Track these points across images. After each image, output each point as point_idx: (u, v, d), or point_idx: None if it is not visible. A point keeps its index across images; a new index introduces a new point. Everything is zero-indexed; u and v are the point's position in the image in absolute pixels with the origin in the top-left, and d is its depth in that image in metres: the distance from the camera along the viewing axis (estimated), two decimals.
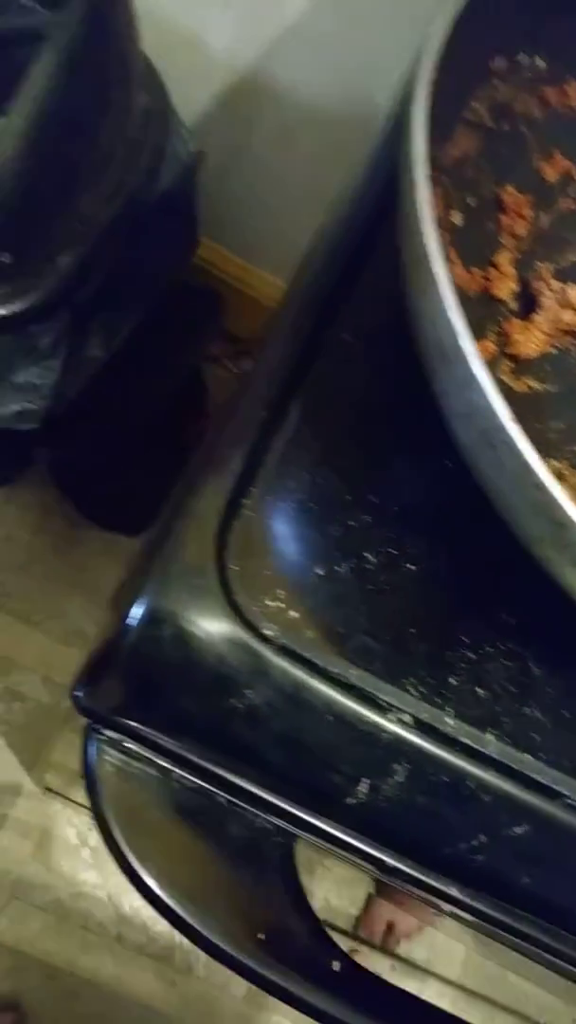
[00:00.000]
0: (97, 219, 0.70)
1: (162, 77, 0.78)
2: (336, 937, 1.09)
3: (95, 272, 0.72)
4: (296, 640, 0.34)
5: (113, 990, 1.00)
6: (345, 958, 0.40)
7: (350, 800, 0.35)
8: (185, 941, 1.04)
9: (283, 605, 0.35)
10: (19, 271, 0.66)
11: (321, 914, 1.09)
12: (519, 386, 0.44)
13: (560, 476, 0.42)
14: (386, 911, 1.10)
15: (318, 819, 0.36)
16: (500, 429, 0.30)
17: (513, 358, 0.45)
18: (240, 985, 1.05)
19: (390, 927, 1.10)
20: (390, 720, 0.35)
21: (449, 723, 0.36)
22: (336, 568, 0.37)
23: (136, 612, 0.32)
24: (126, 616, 0.32)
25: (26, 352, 0.71)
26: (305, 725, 0.34)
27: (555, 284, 0.46)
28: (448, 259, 0.41)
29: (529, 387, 0.44)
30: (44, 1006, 0.97)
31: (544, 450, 0.43)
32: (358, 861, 0.38)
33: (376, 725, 0.34)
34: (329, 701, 0.34)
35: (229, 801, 0.38)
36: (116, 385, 0.85)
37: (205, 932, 0.36)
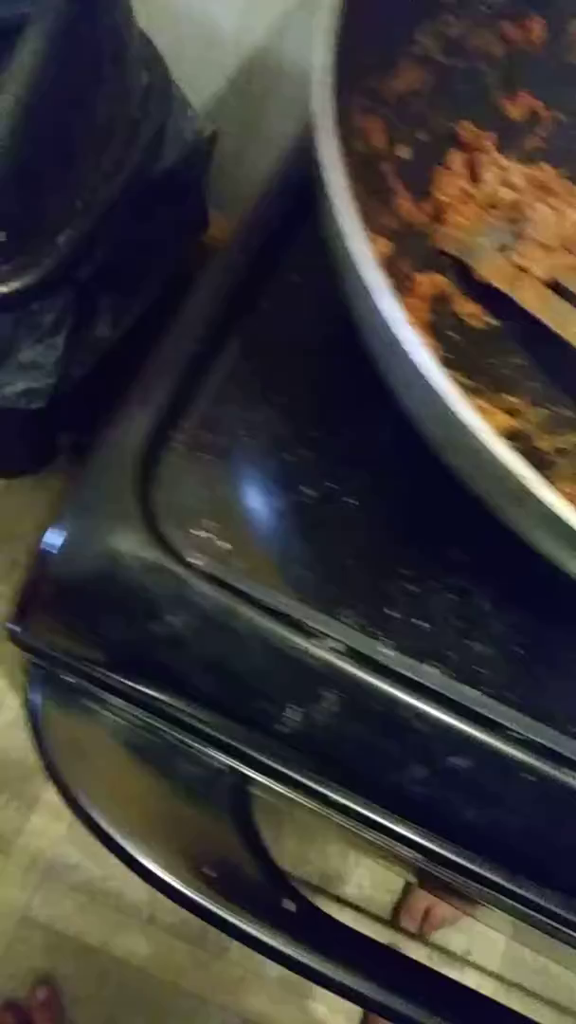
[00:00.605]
0: (97, 196, 0.70)
1: (171, 59, 0.78)
2: (372, 926, 1.07)
3: (97, 250, 0.73)
4: (224, 569, 0.34)
5: (146, 970, 1.01)
6: (301, 899, 0.40)
7: (280, 728, 0.34)
8: None
9: (213, 536, 0.35)
10: (18, 249, 0.67)
11: (356, 901, 1.08)
12: (476, 323, 0.43)
13: (514, 413, 0.41)
14: (424, 900, 1.09)
15: (252, 749, 0.36)
16: (397, 336, 0.28)
17: (467, 282, 0.43)
18: (274, 968, 1.04)
19: (427, 913, 1.09)
20: (319, 646, 0.34)
21: (385, 653, 0.35)
22: (273, 501, 0.37)
23: (52, 539, 0.33)
24: (40, 542, 0.33)
25: (30, 330, 0.72)
26: (230, 651, 0.34)
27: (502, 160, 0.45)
28: (394, 190, 0.41)
29: (488, 323, 0.43)
30: (77, 983, 0.98)
31: (501, 387, 0.42)
32: (303, 799, 0.37)
33: (304, 651, 0.34)
34: (254, 627, 0.34)
35: (177, 738, 0.38)
36: (130, 368, 0.85)
37: (145, 862, 0.36)
